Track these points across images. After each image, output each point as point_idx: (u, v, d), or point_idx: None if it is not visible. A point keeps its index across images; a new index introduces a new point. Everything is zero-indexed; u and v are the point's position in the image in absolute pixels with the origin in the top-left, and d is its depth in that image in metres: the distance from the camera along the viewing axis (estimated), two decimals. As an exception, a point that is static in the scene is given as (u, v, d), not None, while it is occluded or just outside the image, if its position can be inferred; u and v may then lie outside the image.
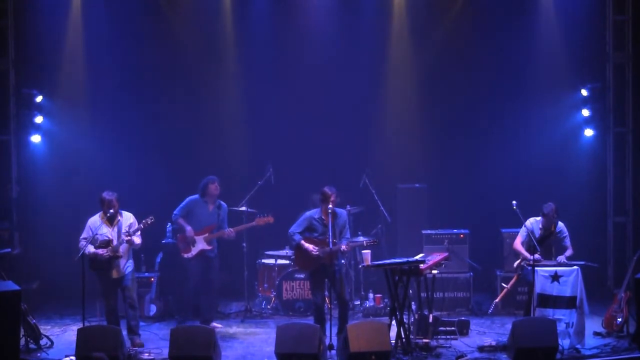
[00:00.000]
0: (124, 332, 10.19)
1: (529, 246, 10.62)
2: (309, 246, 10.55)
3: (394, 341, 9.95)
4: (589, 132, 13.31)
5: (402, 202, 13.19)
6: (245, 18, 13.56)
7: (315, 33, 13.53)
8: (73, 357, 9.57)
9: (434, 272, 10.77)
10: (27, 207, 13.18)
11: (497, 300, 11.28)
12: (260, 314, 12.22)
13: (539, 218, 10.98)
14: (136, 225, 10.62)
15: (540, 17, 13.40)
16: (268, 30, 13.54)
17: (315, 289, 10.68)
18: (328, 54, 13.49)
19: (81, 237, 10.58)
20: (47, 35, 13.12)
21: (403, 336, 10.05)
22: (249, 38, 13.56)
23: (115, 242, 10.52)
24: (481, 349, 10.24)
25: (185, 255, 11.41)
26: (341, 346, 9.78)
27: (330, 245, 10.31)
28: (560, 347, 9.77)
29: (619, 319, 10.76)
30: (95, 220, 10.63)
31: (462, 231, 12.46)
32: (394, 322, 10.17)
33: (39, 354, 10.25)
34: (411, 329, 10.45)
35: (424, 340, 10.27)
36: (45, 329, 10.98)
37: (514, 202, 10.52)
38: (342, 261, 10.84)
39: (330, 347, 10.10)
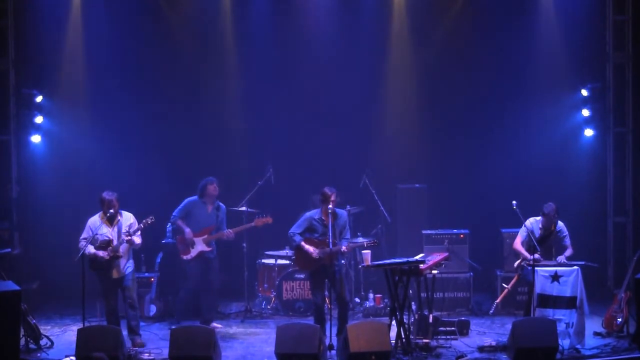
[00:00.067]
0: (124, 332, 10.19)
1: (529, 246, 10.62)
2: (310, 248, 10.54)
3: (394, 341, 9.95)
4: (589, 132, 13.32)
5: (402, 202, 13.19)
6: (245, 18, 13.56)
7: (315, 33, 13.53)
8: (73, 357, 9.57)
9: (434, 272, 10.77)
10: (27, 207, 13.18)
11: (498, 300, 11.27)
12: (260, 314, 12.22)
13: (538, 218, 10.98)
14: (136, 225, 10.62)
15: (540, 17, 13.40)
16: (268, 30, 13.54)
17: (315, 289, 10.69)
18: (328, 54, 13.49)
19: (81, 237, 10.58)
20: (47, 35, 13.12)
21: (403, 336, 10.05)
22: (249, 38, 13.56)
23: (115, 242, 10.52)
24: (481, 349, 10.24)
25: (185, 257, 11.41)
26: (341, 346, 9.78)
27: (330, 246, 10.30)
28: (560, 347, 9.77)
29: (619, 319, 10.76)
30: (95, 220, 10.63)
31: (462, 231, 12.46)
32: (394, 322, 10.17)
33: (39, 354, 10.25)
34: (411, 329, 10.46)
35: (424, 341, 10.27)
36: (45, 329, 10.98)
37: (514, 202, 10.52)
38: (342, 261, 10.84)
39: (330, 347, 10.10)
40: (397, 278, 10.23)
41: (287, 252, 12.41)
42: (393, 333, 10.07)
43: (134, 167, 13.05)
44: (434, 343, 10.32)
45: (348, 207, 11.76)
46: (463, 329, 10.89)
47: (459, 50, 13.51)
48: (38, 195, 13.22)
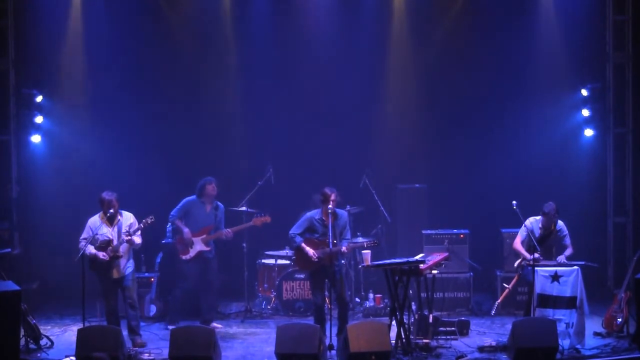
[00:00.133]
0: (124, 333, 10.19)
1: (529, 246, 10.62)
2: (310, 250, 10.54)
3: (394, 341, 9.95)
4: (589, 132, 13.32)
5: (402, 202, 13.19)
6: (245, 18, 13.56)
7: (315, 33, 13.53)
8: (73, 358, 9.57)
9: (434, 272, 10.77)
10: (27, 207, 13.18)
11: (499, 300, 11.27)
12: (260, 314, 12.22)
13: (538, 217, 10.98)
14: (136, 225, 10.62)
15: (540, 17, 13.40)
16: (268, 30, 13.54)
17: (316, 289, 10.69)
18: (328, 54, 13.49)
19: (81, 238, 10.57)
20: (47, 35, 13.11)
21: (403, 336, 10.05)
22: (249, 38, 13.55)
23: (115, 242, 10.51)
24: (481, 349, 10.23)
25: (184, 257, 11.41)
26: (341, 346, 9.78)
27: (330, 246, 10.30)
28: (560, 348, 9.77)
29: (619, 319, 10.75)
30: (95, 220, 10.63)
31: (462, 231, 12.46)
32: (394, 322, 10.17)
33: (39, 354, 10.25)
34: (411, 329, 10.45)
35: (424, 341, 10.27)
36: (45, 329, 10.97)
37: (514, 202, 10.53)
38: (342, 261, 10.84)
39: (330, 347, 10.10)
40: (397, 278, 10.22)
41: (287, 252, 12.41)
42: (393, 333, 10.07)
43: (134, 167, 13.04)
44: (434, 343, 10.32)
45: (348, 207, 11.75)
46: (463, 329, 10.89)
47: (459, 50, 13.51)
48: (38, 195, 13.22)
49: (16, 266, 12.14)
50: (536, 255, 10.39)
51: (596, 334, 10.79)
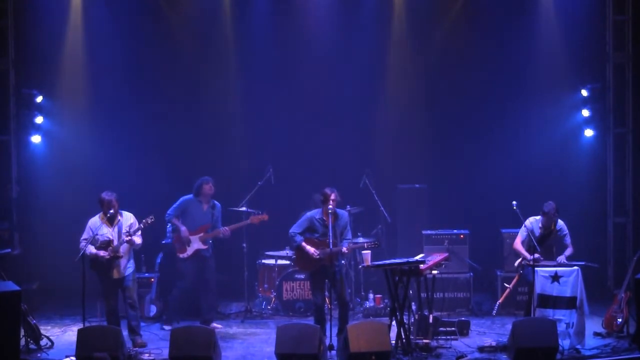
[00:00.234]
0: (125, 333, 10.19)
1: (529, 246, 10.62)
2: (310, 249, 10.54)
3: (394, 341, 9.95)
4: (589, 133, 13.32)
5: (402, 202, 13.19)
6: (245, 18, 13.56)
7: (315, 33, 13.54)
8: (73, 358, 9.57)
9: (434, 272, 10.76)
10: (27, 207, 13.19)
11: (500, 301, 11.27)
12: (261, 314, 12.22)
13: (538, 217, 10.98)
14: (137, 225, 10.61)
15: (540, 17, 13.40)
16: (268, 30, 13.54)
17: (316, 290, 10.68)
18: (328, 54, 13.49)
19: (82, 238, 10.57)
20: (47, 35, 13.13)
21: (403, 336, 10.05)
22: (249, 38, 13.55)
23: (115, 243, 10.51)
24: (481, 349, 10.23)
25: (181, 256, 11.41)
26: (341, 346, 9.78)
27: (331, 246, 10.30)
28: (560, 348, 9.76)
29: (619, 320, 10.76)
30: (95, 220, 10.62)
31: (462, 231, 12.46)
32: (394, 322, 10.16)
33: (39, 355, 10.24)
34: (411, 329, 10.45)
35: (424, 341, 10.26)
36: (45, 329, 10.97)
37: (514, 202, 10.53)
38: (342, 262, 10.84)
39: (331, 347, 10.10)
40: (397, 278, 10.22)
41: (287, 252, 12.41)
42: (393, 333, 10.07)
43: (134, 167, 13.05)
44: (434, 343, 10.31)
45: (348, 207, 11.75)
46: (463, 329, 10.89)
47: (459, 50, 13.51)
48: (38, 195, 13.23)
49: (16, 266, 12.14)
50: (536, 255, 10.39)
51: (596, 334, 10.79)
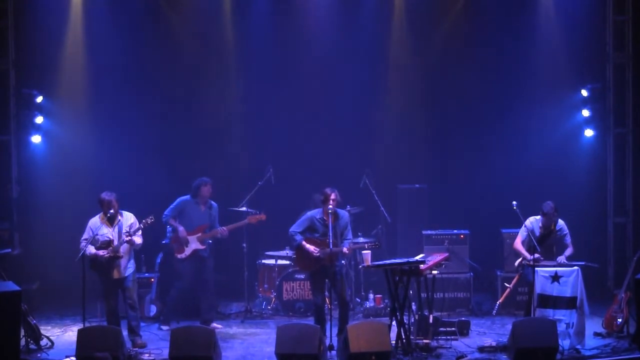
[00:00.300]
0: (125, 333, 10.18)
1: (529, 246, 10.62)
2: (310, 247, 10.54)
3: (394, 342, 9.95)
4: (589, 133, 13.32)
5: (402, 202, 13.18)
6: (245, 18, 13.56)
7: (315, 33, 13.54)
8: (73, 358, 9.57)
9: (434, 272, 10.76)
10: (27, 207, 13.19)
11: (500, 300, 11.27)
12: (261, 314, 12.22)
13: (538, 217, 10.98)
14: (137, 225, 10.61)
15: (540, 17, 13.41)
16: (268, 30, 13.54)
17: (316, 290, 10.68)
18: (328, 54, 13.50)
19: (82, 238, 10.57)
20: (47, 35, 13.13)
21: (403, 337, 10.05)
22: (249, 38, 13.56)
23: (116, 243, 10.51)
24: (481, 349, 10.23)
25: (179, 256, 11.41)
26: (341, 346, 9.78)
27: (331, 246, 10.29)
28: (560, 348, 9.76)
29: (619, 320, 10.76)
30: (95, 220, 10.62)
31: (462, 231, 12.45)
32: (394, 322, 10.16)
33: (39, 355, 10.24)
34: (411, 329, 10.45)
35: (424, 341, 10.26)
36: (45, 329, 10.96)
37: (514, 202, 10.53)
38: (343, 262, 10.84)
39: (331, 347, 10.10)
40: (397, 278, 10.22)
41: (287, 252, 12.41)
42: (393, 333, 10.06)
43: (134, 167, 13.05)
44: (434, 343, 10.31)
45: (348, 207, 11.75)
46: (463, 329, 10.89)
47: (459, 50, 13.51)
48: (38, 195, 13.23)
49: (16, 266, 12.13)
50: (536, 255, 10.39)
51: (596, 334, 10.79)
